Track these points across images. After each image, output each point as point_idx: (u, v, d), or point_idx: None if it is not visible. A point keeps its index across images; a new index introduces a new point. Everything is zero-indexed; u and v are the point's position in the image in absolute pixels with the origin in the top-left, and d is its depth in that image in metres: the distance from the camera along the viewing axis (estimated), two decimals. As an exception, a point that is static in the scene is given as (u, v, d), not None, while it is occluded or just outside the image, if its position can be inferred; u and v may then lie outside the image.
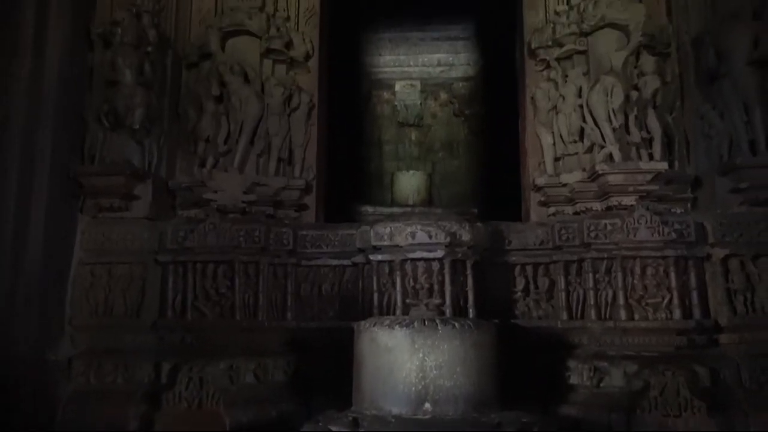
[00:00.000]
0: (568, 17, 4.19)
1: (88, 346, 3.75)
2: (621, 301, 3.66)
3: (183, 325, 3.78)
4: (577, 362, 3.55)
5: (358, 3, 6.59)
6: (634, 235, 3.66)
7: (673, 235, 3.63)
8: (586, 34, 4.13)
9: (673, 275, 3.62)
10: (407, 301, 3.44)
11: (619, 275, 3.68)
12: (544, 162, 4.21)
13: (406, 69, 7.94)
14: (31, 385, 3.44)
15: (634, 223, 3.67)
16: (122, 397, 3.47)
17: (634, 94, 3.96)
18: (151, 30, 4.01)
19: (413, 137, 7.89)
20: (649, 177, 3.80)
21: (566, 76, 4.20)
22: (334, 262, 4.00)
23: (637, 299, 3.66)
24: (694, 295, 3.64)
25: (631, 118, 3.92)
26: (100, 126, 3.89)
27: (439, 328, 2.77)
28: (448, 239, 3.53)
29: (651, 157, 3.89)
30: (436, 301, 3.34)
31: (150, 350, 3.72)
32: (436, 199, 7.07)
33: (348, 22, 6.35)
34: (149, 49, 3.98)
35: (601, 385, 3.45)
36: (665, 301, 3.62)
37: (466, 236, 3.59)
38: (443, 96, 7.93)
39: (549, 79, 4.27)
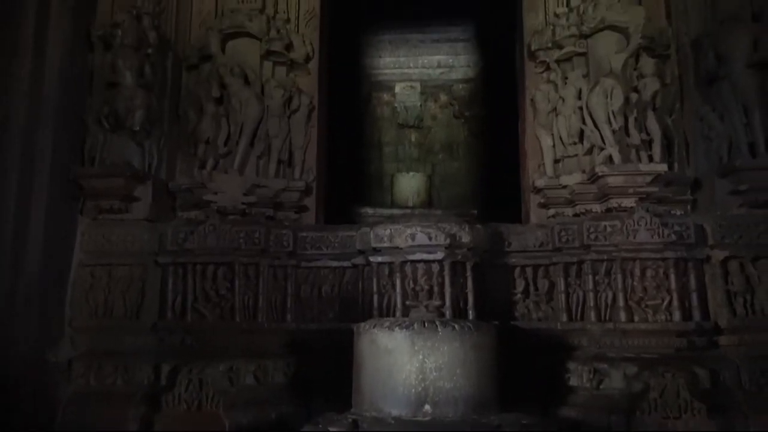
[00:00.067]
0: (567, 19, 4.19)
1: (88, 348, 3.75)
2: (621, 302, 3.66)
3: (183, 326, 3.78)
4: (576, 364, 3.54)
5: (358, 5, 6.60)
6: (634, 237, 3.66)
7: (673, 237, 3.64)
8: (585, 36, 4.13)
9: (672, 277, 3.63)
10: (407, 302, 3.45)
11: (619, 277, 3.69)
12: (543, 164, 4.22)
13: (406, 71, 7.96)
14: (31, 387, 3.44)
15: (634, 225, 3.67)
16: (122, 399, 3.47)
17: (634, 96, 3.96)
18: (151, 32, 4.02)
19: (413, 139, 7.90)
20: (648, 179, 3.81)
21: (566, 78, 4.21)
22: (334, 263, 4.01)
23: (637, 301, 3.66)
24: (694, 296, 3.64)
25: (631, 120, 3.92)
26: (101, 128, 3.90)
27: (439, 329, 2.77)
28: (448, 241, 3.53)
29: (651, 159, 3.89)
30: (436, 302, 3.33)
31: (150, 352, 3.72)
32: (435, 201, 7.08)
33: (348, 24, 6.35)
34: (149, 51, 4.00)
35: (601, 386, 3.44)
36: (665, 302, 3.62)
37: (465, 238, 3.59)
38: (443, 98, 7.94)
39: (549, 81, 4.28)
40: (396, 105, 7.93)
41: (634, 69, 4.05)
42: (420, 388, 2.67)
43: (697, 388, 3.35)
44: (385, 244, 3.63)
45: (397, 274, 3.60)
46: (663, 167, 3.82)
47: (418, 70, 7.94)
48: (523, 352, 3.59)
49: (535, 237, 3.93)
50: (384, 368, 2.75)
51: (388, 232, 3.63)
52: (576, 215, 4.03)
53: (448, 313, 3.43)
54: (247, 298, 3.85)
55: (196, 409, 3.52)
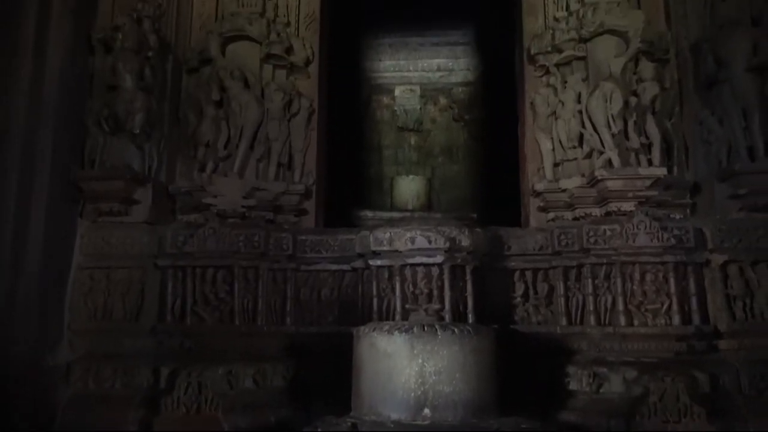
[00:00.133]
0: (567, 23, 4.21)
1: (87, 351, 3.75)
2: (620, 306, 3.66)
3: (182, 329, 3.78)
4: (576, 368, 3.54)
5: (358, 8, 6.62)
6: (633, 241, 3.66)
7: (672, 241, 3.64)
8: (585, 40, 4.14)
9: (672, 281, 3.63)
10: (406, 306, 3.44)
11: (619, 281, 3.69)
12: (543, 167, 4.22)
13: (405, 74, 7.97)
14: (30, 388, 3.43)
15: (634, 229, 3.68)
16: (121, 402, 3.47)
17: (633, 100, 3.97)
18: (151, 35, 4.03)
19: (413, 142, 7.91)
20: (648, 183, 3.81)
21: (565, 81, 4.22)
22: (334, 267, 4.00)
23: (637, 305, 3.66)
24: (694, 300, 3.64)
25: (630, 123, 3.93)
26: (101, 130, 3.90)
27: (439, 333, 2.77)
28: (448, 244, 3.53)
29: (650, 162, 3.90)
30: (436, 306, 3.34)
31: (149, 355, 3.71)
32: (435, 204, 7.08)
33: (348, 28, 6.37)
34: (150, 54, 4.00)
35: (601, 390, 3.44)
36: (664, 306, 3.62)
37: (465, 241, 3.59)
38: (443, 101, 7.95)
39: (548, 85, 4.29)
40: (396, 108, 7.93)
41: (634, 73, 4.06)
42: (419, 392, 2.67)
43: (697, 392, 3.35)
44: (385, 248, 3.63)
45: (397, 278, 3.60)
46: (662, 171, 3.83)
47: (418, 74, 7.96)
48: (523, 356, 3.58)
49: (535, 240, 3.93)
50: (383, 372, 2.75)
51: (387, 235, 3.62)
52: (575, 219, 4.03)
53: (447, 316, 3.43)
54: (246, 301, 3.85)
55: (195, 413, 3.52)
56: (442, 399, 2.67)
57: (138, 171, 3.91)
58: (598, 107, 3.96)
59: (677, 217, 3.91)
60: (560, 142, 4.17)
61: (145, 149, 3.99)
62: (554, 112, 4.20)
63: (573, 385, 3.51)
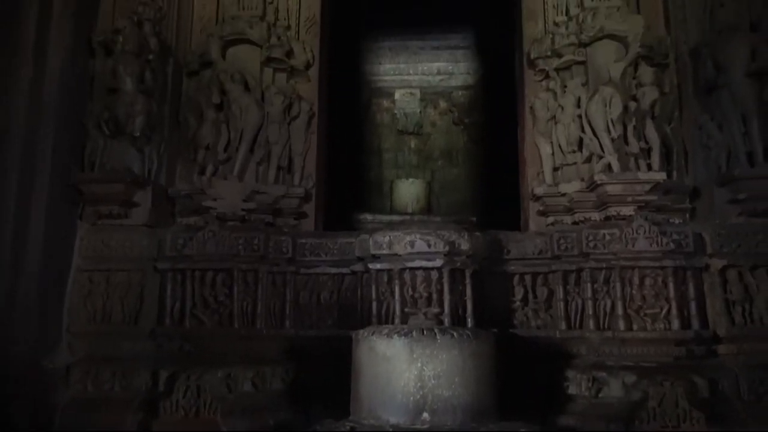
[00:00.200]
0: (567, 28, 4.21)
1: (86, 353, 3.74)
2: (619, 311, 3.66)
3: (181, 332, 3.78)
4: (575, 372, 3.54)
5: (358, 12, 6.63)
6: (633, 246, 3.67)
7: (672, 246, 3.64)
8: (584, 45, 4.15)
9: (671, 286, 3.63)
10: (406, 310, 3.44)
11: (618, 285, 3.69)
12: (542, 172, 4.22)
13: (405, 77, 7.98)
14: (29, 389, 3.43)
15: (633, 234, 3.68)
16: (120, 405, 3.46)
17: (633, 105, 3.97)
18: (152, 38, 4.03)
19: (413, 145, 7.92)
20: (647, 187, 3.81)
21: (565, 86, 4.22)
22: (333, 270, 4.00)
23: (636, 309, 3.66)
24: (693, 305, 3.64)
25: (630, 128, 3.93)
26: (101, 133, 3.90)
27: (438, 337, 2.77)
28: (447, 248, 3.53)
29: (649, 167, 3.90)
30: (435, 310, 3.34)
31: (148, 358, 3.71)
32: (435, 207, 7.09)
33: (348, 31, 6.37)
34: (150, 57, 4.01)
35: (600, 395, 3.44)
36: (664, 311, 3.62)
37: (465, 245, 3.59)
38: (443, 104, 7.96)
39: (548, 89, 4.29)
40: (396, 111, 7.95)
41: (633, 78, 4.06)
42: (418, 396, 2.67)
43: (696, 397, 3.35)
44: (384, 251, 3.63)
45: (396, 282, 3.60)
46: (662, 176, 3.83)
47: (418, 77, 7.97)
48: (522, 360, 3.58)
49: (534, 245, 3.93)
50: (382, 376, 2.75)
51: (387, 239, 3.63)
52: (575, 223, 4.03)
53: (446, 320, 3.43)
54: (245, 304, 3.85)
55: (193, 416, 3.52)
56: (441, 403, 2.67)
57: (138, 174, 3.91)
58: (597, 112, 3.96)
59: (676, 221, 3.91)
60: (560, 146, 4.16)
61: (145, 152, 4.00)
62: (554, 117, 4.20)
63: (572, 390, 3.50)
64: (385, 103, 7.99)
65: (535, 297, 3.90)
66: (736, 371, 3.48)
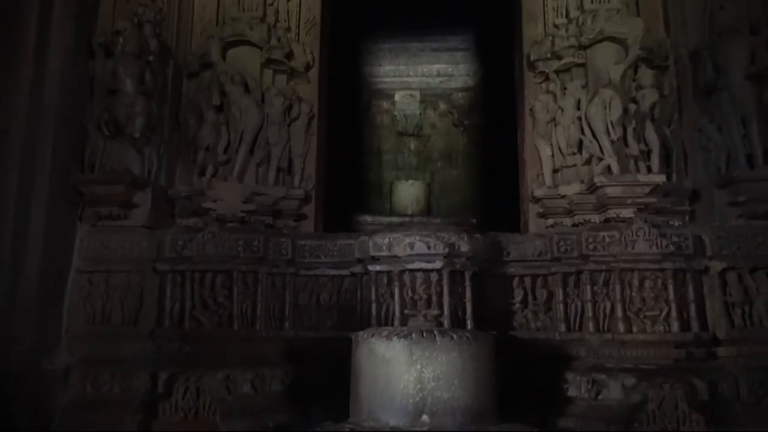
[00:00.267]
0: (567, 30, 4.22)
1: (85, 355, 3.74)
2: (619, 313, 3.66)
3: (180, 334, 3.77)
4: (575, 374, 3.54)
5: (358, 14, 6.64)
6: (632, 248, 3.67)
7: (671, 248, 3.64)
8: (584, 47, 4.15)
9: (671, 288, 3.63)
10: (405, 311, 3.44)
11: (617, 287, 3.69)
12: (542, 174, 4.22)
13: (405, 79, 7.98)
14: (29, 389, 3.43)
15: (633, 236, 3.68)
16: (119, 407, 3.46)
17: (632, 107, 3.98)
18: (152, 39, 4.04)
19: (412, 147, 7.92)
20: (647, 189, 3.81)
21: (565, 88, 4.22)
22: (333, 272, 4.00)
23: (636, 312, 3.67)
24: (692, 307, 3.64)
25: (630, 130, 3.94)
26: (101, 134, 3.91)
27: (438, 339, 2.77)
28: (447, 250, 3.53)
29: (649, 169, 3.90)
30: (435, 312, 3.33)
31: (147, 359, 3.70)
32: (434, 209, 7.09)
33: (348, 33, 6.38)
34: (150, 58, 4.01)
35: (599, 397, 3.44)
36: (663, 313, 3.62)
37: (464, 247, 3.59)
38: (442, 106, 7.97)
39: (548, 92, 4.30)
40: (395, 113, 7.95)
41: (633, 80, 4.07)
42: (418, 398, 2.67)
43: (696, 400, 3.35)
44: (384, 253, 3.63)
45: (396, 283, 3.60)
46: (661, 178, 3.83)
47: (418, 79, 7.97)
48: (522, 362, 3.58)
49: (534, 246, 3.93)
50: (382, 377, 2.75)
51: (386, 240, 3.63)
52: (575, 225, 4.03)
53: (446, 322, 3.43)
54: (245, 305, 3.85)
55: (193, 418, 3.52)
56: (440, 405, 2.66)
57: (138, 175, 3.91)
58: (597, 114, 3.96)
59: (676, 224, 3.91)
60: (559, 148, 4.17)
61: (145, 153, 4.00)
62: (554, 119, 4.21)
63: (572, 392, 3.50)
64: (385, 104, 8.00)
65: (535, 299, 3.90)
66: (736, 374, 3.48)
